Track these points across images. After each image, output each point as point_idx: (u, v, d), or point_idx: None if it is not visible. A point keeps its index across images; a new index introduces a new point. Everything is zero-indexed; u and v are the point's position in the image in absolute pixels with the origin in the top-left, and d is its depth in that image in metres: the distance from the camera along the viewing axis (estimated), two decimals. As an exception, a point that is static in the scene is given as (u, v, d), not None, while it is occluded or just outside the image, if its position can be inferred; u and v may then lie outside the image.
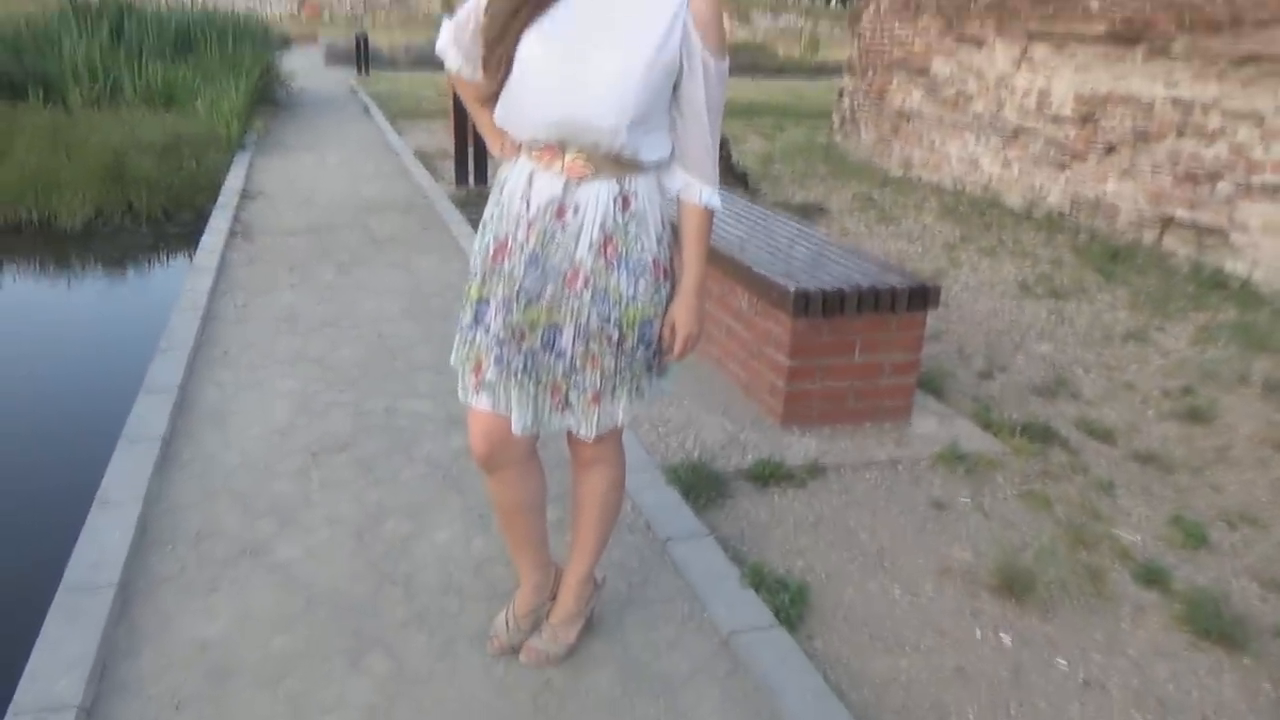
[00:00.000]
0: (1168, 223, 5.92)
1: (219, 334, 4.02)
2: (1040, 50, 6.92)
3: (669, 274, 1.79)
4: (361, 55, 18.07)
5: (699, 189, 1.75)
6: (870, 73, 9.37)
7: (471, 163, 7.41)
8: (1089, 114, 6.49)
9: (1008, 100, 7.28)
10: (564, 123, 1.63)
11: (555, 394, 1.77)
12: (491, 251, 1.77)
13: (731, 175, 7.68)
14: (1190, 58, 5.68)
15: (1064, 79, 6.71)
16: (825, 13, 52.31)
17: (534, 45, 1.61)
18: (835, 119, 10.44)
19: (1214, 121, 5.57)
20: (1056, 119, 6.79)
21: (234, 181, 7.08)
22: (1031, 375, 4.16)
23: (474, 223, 6.13)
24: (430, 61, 19.81)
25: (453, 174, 7.78)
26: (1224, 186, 5.52)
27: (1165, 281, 5.59)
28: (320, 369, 3.70)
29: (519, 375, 1.76)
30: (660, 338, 1.80)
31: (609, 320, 1.72)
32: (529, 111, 1.67)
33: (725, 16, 1.70)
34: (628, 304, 1.72)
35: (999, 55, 7.35)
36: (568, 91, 1.61)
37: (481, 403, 1.82)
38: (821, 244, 3.85)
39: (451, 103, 11.47)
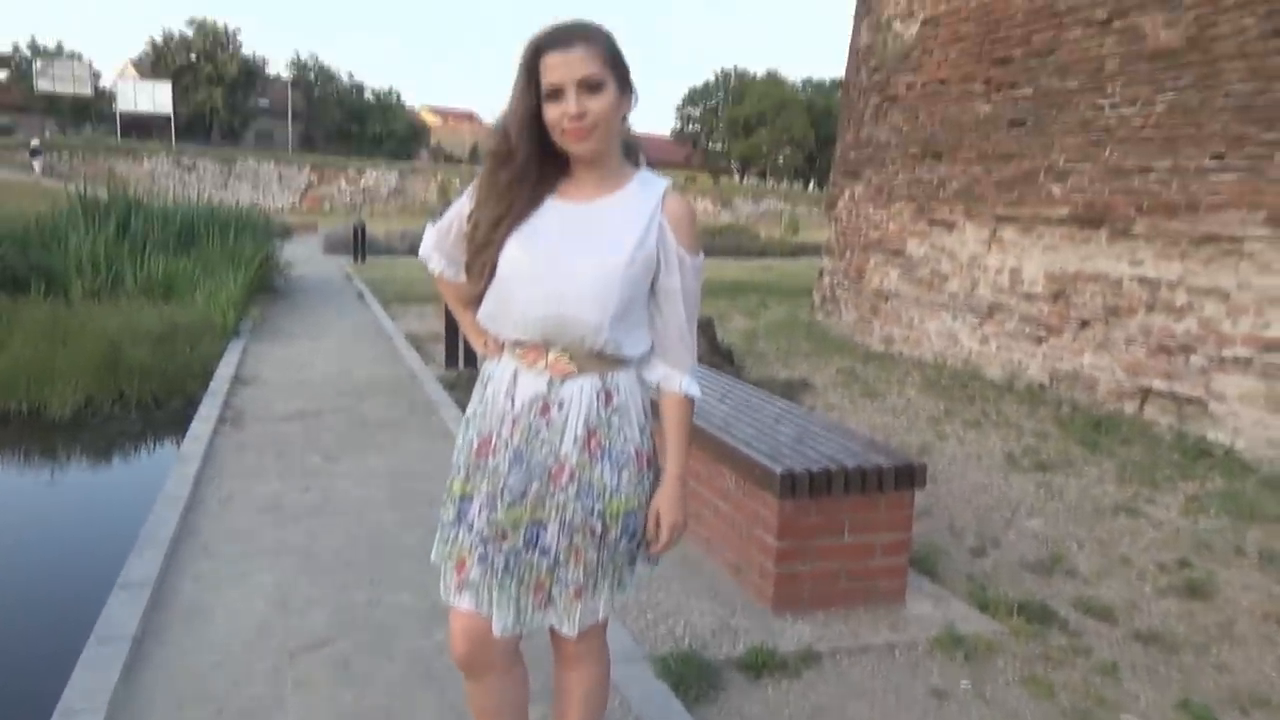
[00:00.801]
0: (1146, 394, 6.03)
1: (201, 524, 3.96)
2: (1009, 232, 7.25)
3: (652, 463, 1.80)
4: (358, 243, 18.75)
5: (679, 379, 1.79)
6: (848, 254, 9.76)
7: (461, 345, 7.56)
8: (1060, 291, 6.72)
9: (981, 279, 7.56)
10: (548, 323, 1.69)
11: (538, 592, 1.74)
12: (475, 447, 1.78)
13: (716, 353, 7.83)
14: (1152, 238, 5.95)
15: (1033, 259, 7.00)
16: (803, 197, 55.11)
17: (516, 251, 1.69)
18: (816, 297, 10.78)
19: (1181, 298, 5.77)
20: (1029, 296, 7.03)
21: (226, 368, 7.18)
22: (1025, 551, 4.11)
23: (462, 405, 6.19)
24: (424, 248, 20.50)
25: (443, 356, 7.92)
26: (1197, 359, 5.65)
27: (1150, 451, 5.62)
28: (302, 560, 3.63)
29: (500, 575, 1.73)
30: (644, 528, 1.79)
31: (592, 513, 1.71)
32: (513, 313, 1.73)
33: (696, 218, 1.80)
34: (611, 495, 1.72)
35: (969, 237, 7.69)
36: (550, 293, 1.68)
37: (464, 602, 1.78)
38: (806, 422, 3.89)
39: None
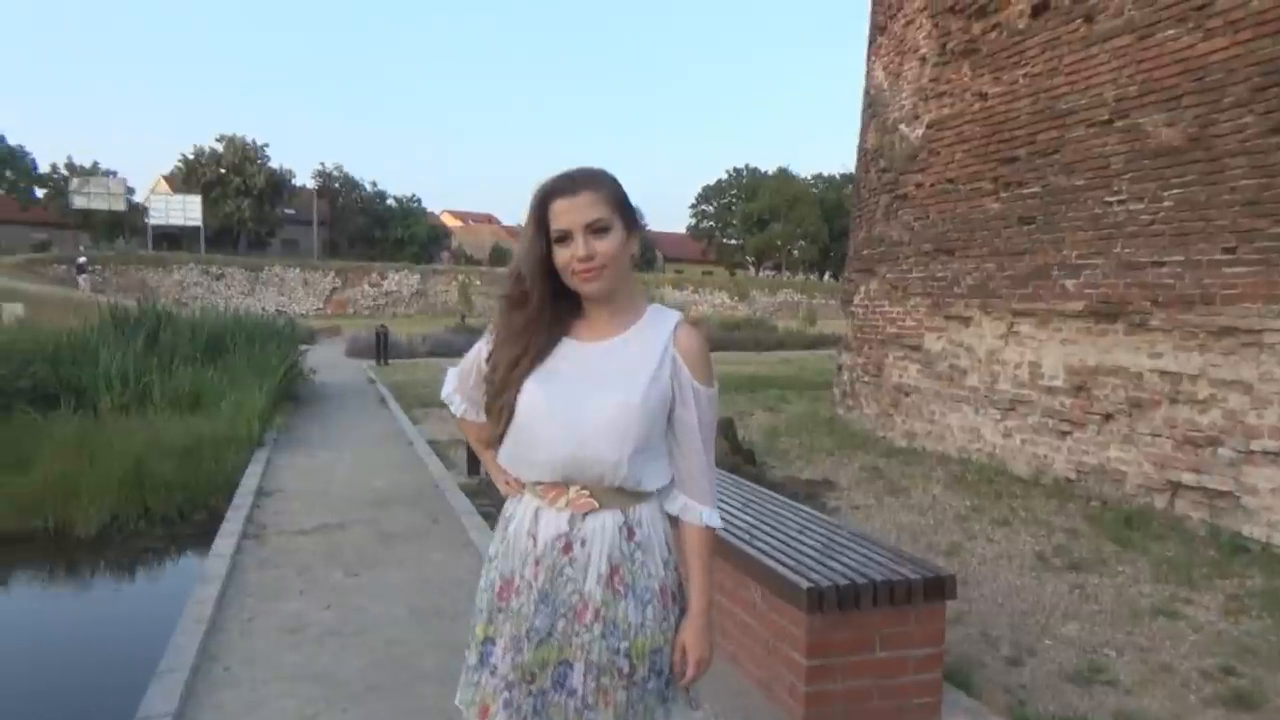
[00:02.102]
0: (1176, 487, 5.93)
1: (222, 649, 3.93)
2: (1025, 326, 7.27)
3: (676, 598, 1.79)
4: (381, 347, 19.03)
5: (698, 510, 1.80)
6: (866, 348, 9.79)
7: (483, 452, 7.56)
8: (1081, 384, 6.70)
9: (1001, 373, 7.55)
10: (568, 462, 1.71)
11: None
12: (497, 589, 1.78)
13: (737, 453, 7.81)
14: (1170, 331, 5.95)
15: (1052, 352, 7.00)
16: (819, 287, 55.62)
17: (535, 392, 1.72)
18: (836, 392, 10.77)
19: (1204, 390, 5.73)
20: (1050, 390, 7.00)
21: (250, 481, 7.21)
22: (1062, 660, 3.99)
23: (484, 513, 6.17)
24: (445, 350, 20.60)
25: (464, 462, 7.92)
26: (1225, 451, 5.58)
27: (1185, 547, 5.49)
28: (323, 686, 3.58)
29: (530, 719, 1.71)
30: (672, 665, 1.76)
31: (619, 652, 1.70)
32: (533, 454, 1.75)
33: (708, 350, 1.83)
34: (636, 633, 1.71)
35: (986, 331, 7.72)
36: (570, 432, 1.70)
37: None
38: (831, 531, 3.84)
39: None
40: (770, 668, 3.41)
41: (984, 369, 7.77)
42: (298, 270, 45.58)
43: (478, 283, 48.29)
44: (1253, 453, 5.38)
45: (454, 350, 20.68)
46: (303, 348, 15.92)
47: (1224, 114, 5.54)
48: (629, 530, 1.73)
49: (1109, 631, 4.34)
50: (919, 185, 8.68)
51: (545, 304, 1.74)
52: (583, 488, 1.73)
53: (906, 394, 8.91)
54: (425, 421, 10.85)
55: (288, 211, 57.67)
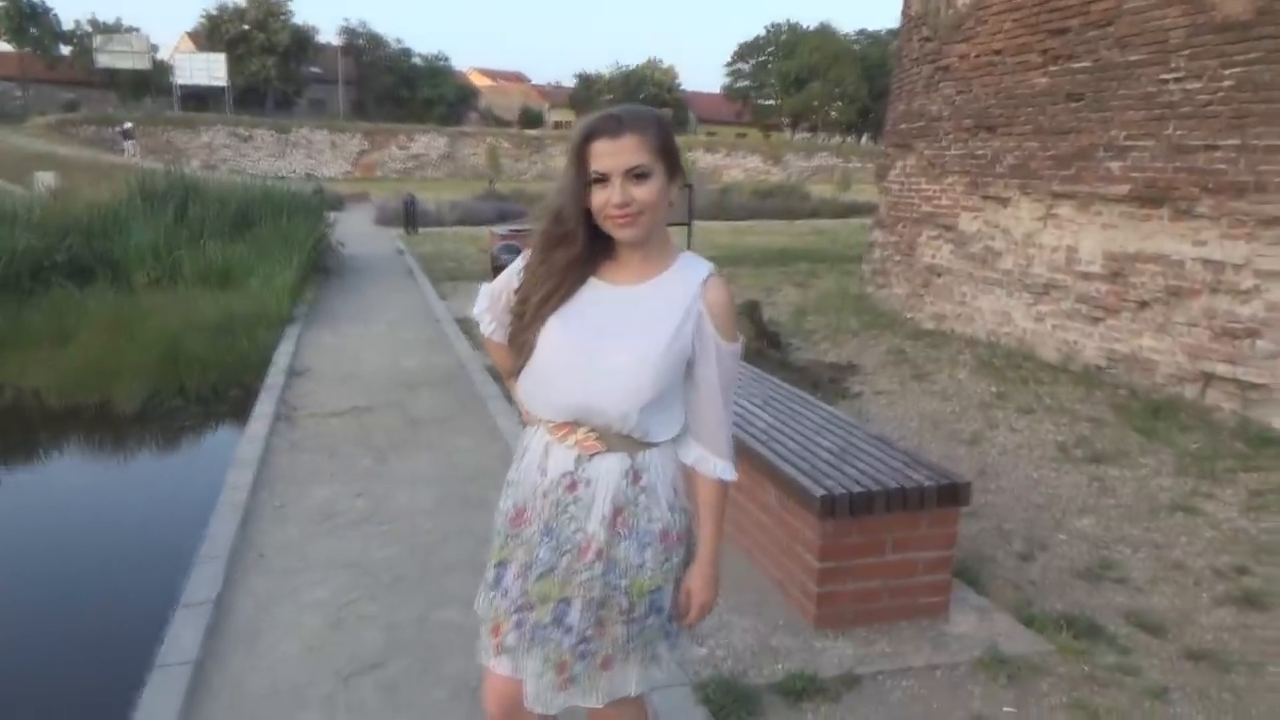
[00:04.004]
0: (1209, 378, 5.84)
1: (257, 535, 4.09)
2: (1065, 209, 7.04)
3: (681, 540, 1.81)
4: (410, 216, 18.94)
5: (713, 462, 1.80)
6: (900, 226, 9.57)
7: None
8: (1118, 271, 6.52)
9: (1036, 257, 7.36)
10: (579, 407, 1.72)
11: (561, 671, 1.77)
12: (511, 516, 1.83)
13: (762, 336, 7.79)
14: (1217, 219, 5.73)
15: (1091, 237, 6.79)
16: (856, 150, 54.02)
17: (556, 332, 1.71)
18: (866, 269, 10.61)
19: (1247, 280, 5.56)
20: (1086, 275, 6.83)
21: (282, 359, 7.34)
22: (1074, 556, 4.05)
23: (510, 398, 6.23)
24: (474, 219, 20.48)
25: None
26: (1264, 344, 5.45)
27: (1211, 440, 5.46)
28: (354, 574, 3.73)
29: (529, 645, 1.77)
30: (673, 604, 1.80)
31: (617, 589, 1.74)
32: (547, 393, 1.76)
33: (735, 305, 1.79)
34: (636, 574, 1.74)
35: (1024, 214, 7.48)
36: (583, 378, 1.70)
37: (500, 667, 1.83)
38: (849, 431, 3.85)
39: (490, 265, 11.95)
40: (784, 567, 3.49)
41: (1019, 252, 7.57)
42: (325, 132, 44.96)
43: (506, 145, 47.44)
44: (1290, 347, 5.26)
45: (482, 219, 20.55)
46: (331, 216, 15.86)
47: (1296, -15, 5.15)
48: (635, 474, 1.74)
49: (1125, 527, 4.37)
50: (963, 56, 8.25)
51: (585, 246, 1.70)
52: (591, 430, 1.73)
53: (938, 275, 8.74)
54: (452, 297, 10.88)
55: (313, 70, 56.39)
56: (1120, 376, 6.50)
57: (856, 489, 3.18)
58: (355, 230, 17.98)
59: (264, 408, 5.99)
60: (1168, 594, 3.72)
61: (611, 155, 1.61)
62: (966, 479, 3.36)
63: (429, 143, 46.58)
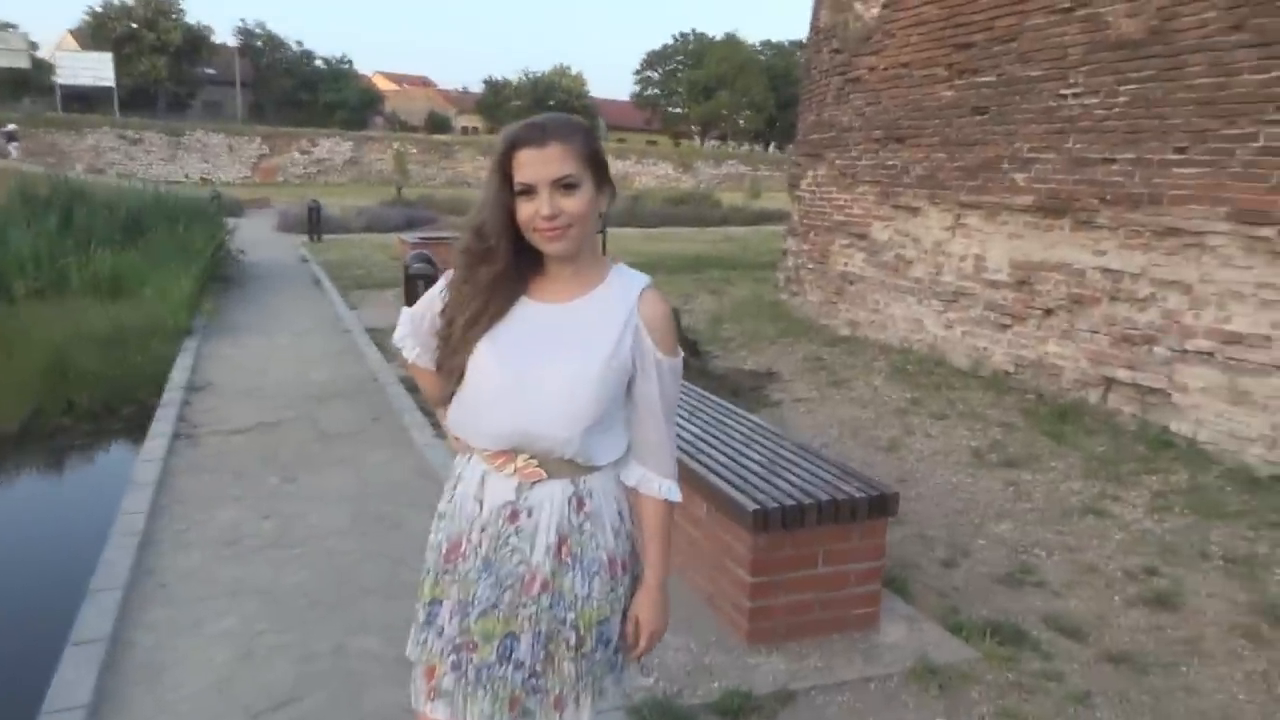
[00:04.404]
0: (1110, 383, 6.06)
1: (156, 563, 3.83)
2: (973, 219, 7.23)
3: (627, 568, 1.73)
4: (314, 222, 18.37)
5: (657, 483, 1.72)
6: (812, 235, 9.70)
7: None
8: (1024, 279, 6.73)
9: (945, 265, 7.55)
10: (517, 435, 1.62)
11: (513, 706, 1.66)
12: (444, 551, 1.71)
13: (681, 344, 7.76)
14: (1116, 229, 5.95)
15: (998, 246, 6.99)
16: (764, 159, 54.94)
17: (488, 357, 1.61)
18: (780, 277, 10.73)
19: (1144, 289, 5.79)
20: (994, 283, 7.03)
21: (179, 374, 6.97)
22: (994, 562, 4.12)
23: (426, 410, 6.05)
24: (381, 225, 19.97)
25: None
26: (1160, 350, 5.68)
27: (1114, 442, 5.66)
28: (263, 601, 3.53)
29: (473, 686, 1.66)
30: (623, 635, 1.72)
31: (565, 623, 1.65)
32: (480, 422, 1.65)
33: (673, 318, 1.72)
34: (583, 605, 1.65)
35: (934, 223, 7.66)
36: (519, 408, 1.60)
37: (437, 712, 1.70)
38: (777, 443, 3.83)
39: (403, 274, 11.63)
40: (715, 581, 3.44)
41: (929, 260, 7.75)
42: (222, 136, 43.30)
43: (413, 150, 46.60)
44: (1186, 352, 5.49)
45: (389, 225, 20.09)
46: (230, 223, 15.27)
47: (1187, 6, 5.39)
48: (578, 501, 1.65)
49: (1040, 531, 4.48)
50: (872, 69, 8.42)
51: (510, 262, 1.61)
52: (530, 457, 1.63)
53: (851, 282, 8.89)
54: (362, 306, 10.57)
55: (208, 71, 54.40)
56: (1028, 381, 6.70)
57: (789, 502, 3.15)
58: (257, 237, 17.35)
59: (162, 426, 5.67)
60: (1084, 597, 3.81)
61: (537, 165, 1.53)
62: (895, 489, 3.38)
63: (333, 147, 45.39)
